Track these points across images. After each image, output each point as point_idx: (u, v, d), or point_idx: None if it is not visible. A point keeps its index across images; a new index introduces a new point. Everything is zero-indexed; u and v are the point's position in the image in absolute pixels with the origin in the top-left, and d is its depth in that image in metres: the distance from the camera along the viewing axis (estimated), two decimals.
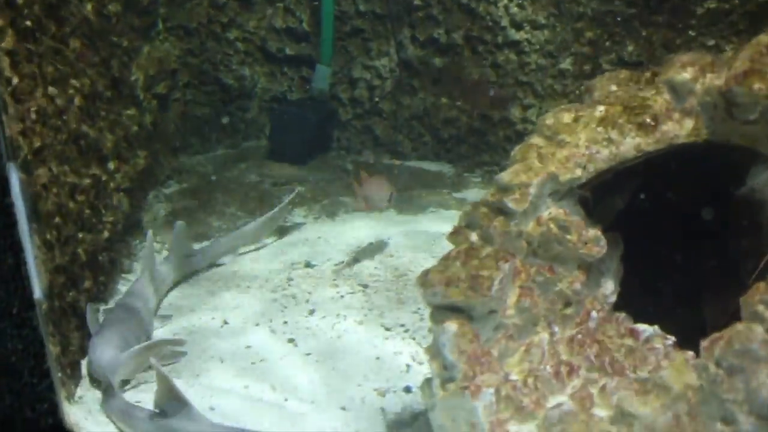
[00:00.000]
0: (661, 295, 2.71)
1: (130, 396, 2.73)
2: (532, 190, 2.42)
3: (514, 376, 2.28)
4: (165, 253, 3.70)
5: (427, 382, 2.37)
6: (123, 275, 3.62)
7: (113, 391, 2.68)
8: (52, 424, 2.17)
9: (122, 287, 3.50)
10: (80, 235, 3.19)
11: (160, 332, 3.22)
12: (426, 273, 2.38)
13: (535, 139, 2.60)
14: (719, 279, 2.68)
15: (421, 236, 4.01)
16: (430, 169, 4.81)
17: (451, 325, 2.30)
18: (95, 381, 2.84)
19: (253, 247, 3.92)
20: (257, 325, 3.28)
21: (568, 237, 2.42)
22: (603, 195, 2.59)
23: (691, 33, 4.37)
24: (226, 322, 3.30)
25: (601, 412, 2.16)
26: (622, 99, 2.58)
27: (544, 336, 2.37)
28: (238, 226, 3.99)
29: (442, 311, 2.35)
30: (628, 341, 2.36)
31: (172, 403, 2.51)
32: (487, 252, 2.39)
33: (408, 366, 2.98)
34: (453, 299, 2.31)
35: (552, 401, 2.21)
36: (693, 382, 2.08)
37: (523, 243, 2.42)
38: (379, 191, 3.67)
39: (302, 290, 3.54)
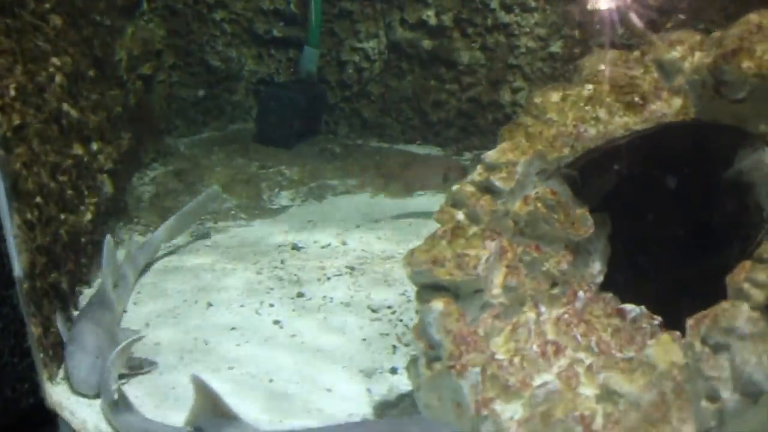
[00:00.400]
0: (648, 276, 2.70)
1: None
2: (519, 169, 2.40)
3: (500, 356, 2.26)
4: (140, 238, 3.64)
5: (413, 361, 2.36)
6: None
7: (128, 403, 2.44)
8: (33, 404, 2.15)
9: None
10: (62, 216, 3.15)
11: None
12: (412, 252, 2.36)
13: (523, 118, 2.58)
14: (706, 263, 2.68)
15: (409, 219, 3.99)
16: (419, 153, 4.78)
17: (437, 304, 2.28)
18: (77, 392, 2.70)
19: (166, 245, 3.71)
20: (242, 306, 3.25)
21: (555, 216, 2.41)
22: (591, 174, 2.58)
23: (681, 16, 4.35)
24: (210, 304, 3.27)
25: (587, 390, 2.15)
26: (610, 78, 2.56)
27: (531, 315, 2.36)
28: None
29: (428, 290, 2.34)
30: (615, 321, 2.36)
31: (214, 419, 2.20)
32: (473, 231, 2.37)
33: (394, 347, 2.96)
34: (439, 278, 2.29)
35: (538, 380, 2.20)
36: (678, 360, 2.07)
37: (509, 222, 2.40)
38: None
39: (288, 272, 3.51)
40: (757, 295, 2.02)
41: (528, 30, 4.62)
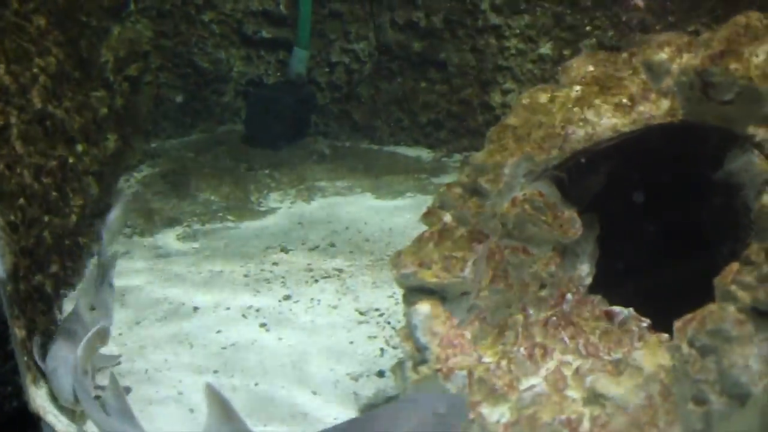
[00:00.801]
0: (636, 277, 2.69)
1: None
2: (507, 171, 2.39)
3: (487, 359, 2.25)
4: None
5: (400, 364, 2.34)
6: (91, 260, 3.54)
7: (131, 415, 2.38)
8: (17, 407, 2.11)
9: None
10: (46, 218, 3.11)
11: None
12: (399, 254, 2.34)
13: (511, 120, 2.56)
14: (696, 265, 2.67)
15: (398, 221, 3.97)
16: (409, 154, 4.76)
17: (424, 307, 2.26)
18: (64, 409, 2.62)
19: None
20: (228, 309, 3.22)
21: (543, 218, 2.39)
22: (579, 176, 2.56)
23: (671, 19, 4.35)
24: (196, 308, 3.24)
25: (574, 393, 2.14)
26: (598, 79, 2.55)
27: (518, 318, 2.35)
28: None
29: (415, 293, 2.32)
30: (603, 323, 2.34)
31: (225, 428, 2.08)
32: (460, 233, 2.36)
33: (382, 350, 2.94)
34: (426, 281, 2.28)
35: (525, 383, 2.19)
36: (666, 363, 2.06)
37: (497, 224, 2.38)
38: None
39: (276, 275, 3.49)
40: (745, 297, 2.01)
41: (518, 32, 4.61)
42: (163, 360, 2.90)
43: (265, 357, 2.91)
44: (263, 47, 4.99)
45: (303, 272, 3.51)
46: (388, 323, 3.11)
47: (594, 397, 2.11)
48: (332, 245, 3.74)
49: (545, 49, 4.60)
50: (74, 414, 2.59)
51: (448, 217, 2.40)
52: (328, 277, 3.46)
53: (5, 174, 2.76)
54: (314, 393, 2.71)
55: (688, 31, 4.27)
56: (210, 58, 4.95)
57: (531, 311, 2.37)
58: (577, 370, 2.20)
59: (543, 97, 2.56)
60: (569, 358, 2.26)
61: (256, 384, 2.76)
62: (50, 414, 2.63)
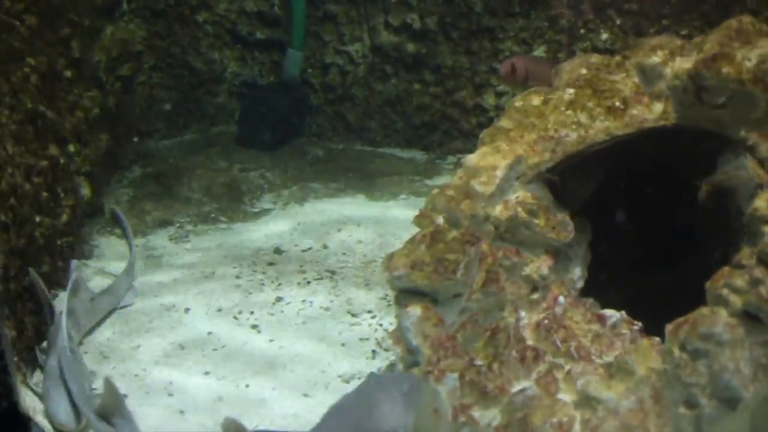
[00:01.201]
0: (629, 280, 2.69)
1: None
2: (500, 173, 2.38)
3: (478, 361, 2.24)
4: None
5: (391, 367, 2.33)
6: (83, 260, 3.53)
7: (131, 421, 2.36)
8: (7, 408, 2.10)
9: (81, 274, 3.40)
10: (37, 218, 3.10)
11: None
12: (391, 256, 2.34)
13: (504, 122, 2.56)
14: (689, 268, 2.67)
15: (391, 223, 3.96)
16: (403, 156, 4.76)
17: (415, 309, 2.26)
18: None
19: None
20: (220, 310, 3.21)
21: (536, 221, 2.39)
22: (572, 179, 2.56)
23: (665, 22, 4.36)
24: (187, 309, 3.23)
25: (566, 396, 2.14)
26: (591, 82, 2.55)
27: (510, 321, 2.34)
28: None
29: (406, 295, 2.31)
30: (595, 327, 2.34)
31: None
32: (453, 235, 2.35)
33: (374, 352, 2.93)
34: (417, 283, 2.27)
35: (516, 386, 2.18)
36: (657, 366, 2.06)
37: (490, 227, 2.38)
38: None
39: (268, 276, 3.48)
40: (736, 301, 2.01)
41: (512, 34, 4.62)
42: (154, 361, 2.88)
43: (256, 358, 2.90)
44: (257, 48, 4.98)
45: (295, 274, 3.50)
46: (380, 325, 3.10)
47: (585, 401, 2.11)
48: (325, 247, 3.73)
49: (539, 51, 4.60)
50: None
51: (440, 220, 2.39)
52: (321, 278, 3.46)
53: None
54: (305, 395, 2.70)
55: (682, 34, 4.29)
56: (204, 59, 4.94)
57: (523, 314, 2.37)
58: (568, 374, 2.19)
59: (536, 100, 2.56)
60: (561, 361, 2.25)
61: (247, 386, 2.75)
62: (40, 414, 2.62)
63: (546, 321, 2.35)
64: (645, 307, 2.40)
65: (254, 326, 3.11)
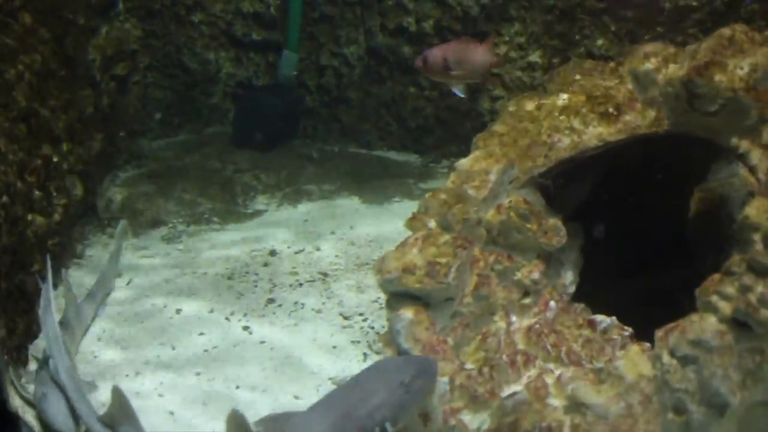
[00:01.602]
0: (621, 287, 2.70)
1: None
2: (492, 177, 2.39)
3: (469, 365, 2.24)
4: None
5: None
6: (75, 260, 3.51)
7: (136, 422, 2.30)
8: None
9: (74, 272, 3.39)
10: (29, 217, 3.09)
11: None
12: (383, 259, 2.34)
13: (498, 127, 2.57)
14: (680, 275, 2.68)
15: (385, 226, 3.96)
16: (397, 159, 4.76)
17: (407, 313, 2.26)
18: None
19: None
20: (211, 312, 3.21)
21: (528, 226, 2.39)
22: (564, 184, 2.57)
23: (659, 29, 4.37)
24: (179, 310, 3.22)
25: (556, 401, 2.14)
26: (585, 88, 2.56)
27: (501, 325, 2.34)
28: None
29: (398, 298, 2.31)
30: (586, 332, 2.34)
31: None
32: (445, 239, 2.35)
33: (365, 355, 2.93)
34: (409, 286, 2.27)
35: (507, 390, 2.19)
36: (647, 372, 2.06)
37: (482, 231, 2.38)
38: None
39: (260, 278, 3.47)
40: (725, 307, 2.02)
41: (508, 39, 4.62)
42: (145, 361, 2.87)
43: (248, 360, 2.89)
44: (253, 49, 4.98)
45: (287, 276, 3.49)
46: (372, 328, 3.10)
47: (575, 406, 2.11)
48: (318, 249, 3.73)
49: (535, 56, 4.61)
50: None
51: (432, 223, 2.40)
52: (313, 281, 3.45)
53: None
54: (296, 397, 2.69)
55: (676, 42, 4.30)
56: (199, 59, 4.94)
57: (514, 318, 2.37)
58: (558, 378, 2.20)
59: (530, 105, 2.56)
60: (551, 365, 2.26)
61: (238, 387, 2.74)
62: (29, 412, 2.61)
63: (537, 326, 2.35)
64: (636, 313, 2.40)
65: (246, 328, 3.10)
